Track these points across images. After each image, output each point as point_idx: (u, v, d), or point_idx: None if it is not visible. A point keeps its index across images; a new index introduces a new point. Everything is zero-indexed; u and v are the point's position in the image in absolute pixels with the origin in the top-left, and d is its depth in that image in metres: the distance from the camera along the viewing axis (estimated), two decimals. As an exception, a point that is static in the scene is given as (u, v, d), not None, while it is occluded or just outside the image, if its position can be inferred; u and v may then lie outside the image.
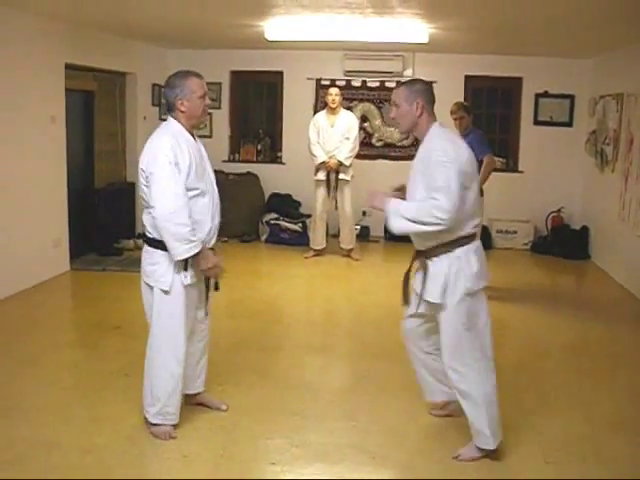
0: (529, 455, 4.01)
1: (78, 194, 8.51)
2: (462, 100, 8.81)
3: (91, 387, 4.83)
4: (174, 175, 3.77)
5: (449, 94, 9.76)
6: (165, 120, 4.01)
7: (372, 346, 5.92)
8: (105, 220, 8.99)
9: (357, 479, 3.77)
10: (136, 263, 8.39)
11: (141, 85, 9.89)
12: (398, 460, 3.94)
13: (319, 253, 9.32)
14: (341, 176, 9.02)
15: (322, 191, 9.13)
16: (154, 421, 4.10)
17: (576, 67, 10.07)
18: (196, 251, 3.82)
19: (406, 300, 4.13)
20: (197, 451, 3.94)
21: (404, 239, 10.72)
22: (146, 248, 4.04)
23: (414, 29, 7.93)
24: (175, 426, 4.13)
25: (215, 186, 4.12)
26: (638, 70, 8.01)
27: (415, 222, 3.66)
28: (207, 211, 3.99)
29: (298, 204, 10.49)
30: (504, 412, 4.49)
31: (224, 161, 10.61)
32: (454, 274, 3.75)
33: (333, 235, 9.89)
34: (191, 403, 4.43)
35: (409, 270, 4.10)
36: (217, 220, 4.10)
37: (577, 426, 4.39)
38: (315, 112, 9.82)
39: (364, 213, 10.62)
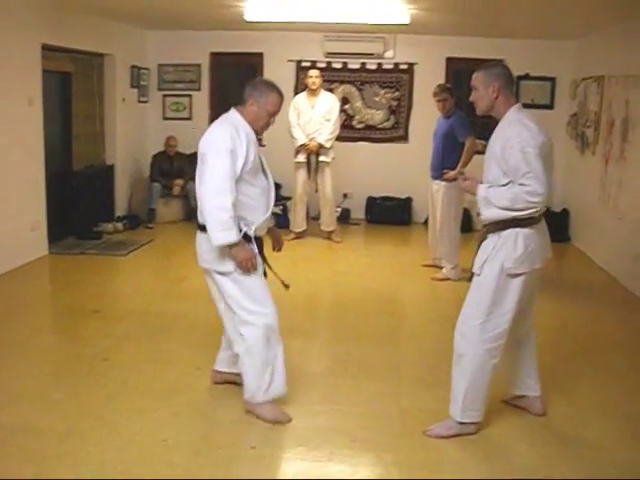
0: (513, 438, 4.02)
1: (56, 177, 8.43)
2: (444, 82, 8.80)
3: (70, 372, 4.79)
4: (227, 161, 3.83)
5: (430, 76, 9.82)
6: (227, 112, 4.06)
7: (353, 329, 5.91)
8: (84, 203, 8.91)
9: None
10: (115, 246, 8.45)
11: (120, 67, 9.79)
12: (379, 443, 3.92)
13: (300, 236, 9.29)
14: (322, 158, 8.99)
15: (302, 173, 9.09)
16: (265, 399, 4.12)
17: (557, 49, 10.07)
18: (233, 240, 3.82)
19: None
20: (176, 436, 3.91)
21: (384, 222, 10.72)
22: (204, 236, 4.00)
23: (395, 10, 7.88)
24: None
25: (270, 179, 4.24)
26: (619, 53, 8.01)
27: (509, 209, 3.72)
28: (263, 199, 4.09)
29: (278, 186, 10.43)
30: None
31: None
32: (495, 251, 3.82)
33: (314, 217, 9.88)
34: (221, 381, 4.54)
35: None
36: (271, 211, 4.16)
37: (559, 408, 4.40)
38: (296, 94, 9.74)
39: (345, 195, 10.63)
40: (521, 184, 3.66)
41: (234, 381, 4.48)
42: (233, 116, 4.08)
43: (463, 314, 3.98)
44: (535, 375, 4.26)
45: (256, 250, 4.01)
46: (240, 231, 3.90)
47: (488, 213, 3.82)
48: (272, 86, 4.07)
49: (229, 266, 3.96)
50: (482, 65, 3.97)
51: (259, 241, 4.13)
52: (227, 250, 3.90)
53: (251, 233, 3.99)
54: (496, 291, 3.83)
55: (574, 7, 7.04)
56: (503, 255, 3.80)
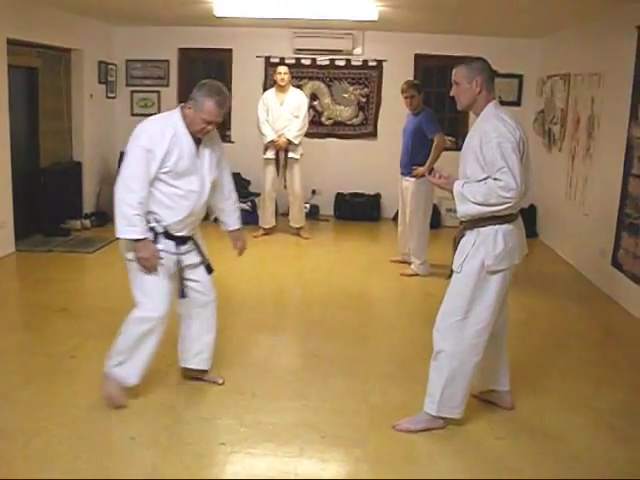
0: (482, 432, 4.06)
1: (23, 174, 8.34)
2: (412, 79, 8.83)
3: (37, 370, 4.74)
4: (141, 160, 3.89)
5: (399, 73, 9.85)
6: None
7: (322, 325, 5.93)
8: (51, 200, 8.82)
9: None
10: (83, 244, 8.37)
11: (87, 62, 9.71)
12: (349, 438, 3.94)
13: (268, 232, 9.28)
14: (290, 154, 8.99)
15: (271, 170, 9.08)
16: (114, 375, 4.21)
17: (524, 47, 10.16)
18: (136, 237, 3.92)
19: None
20: (145, 433, 3.91)
21: (353, 218, 10.71)
22: None
23: (364, 6, 7.90)
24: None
25: (202, 189, 4.13)
26: (584, 51, 8.11)
27: (483, 205, 3.72)
28: (183, 202, 4.06)
29: (247, 183, 10.40)
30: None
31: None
32: (475, 248, 3.83)
33: (282, 214, 9.88)
34: (188, 377, 4.55)
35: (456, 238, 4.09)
36: (194, 218, 4.18)
37: (525, 401, 4.44)
38: (264, 90, 9.74)
39: (313, 192, 10.65)
40: (495, 179, 3.67)
41: (199, 377, 4.53)
42: (174, 114, 4.06)
43: (442, 311, 3.99)
44: (506, 370, 4.30)
45: (160, 250, 4.05)
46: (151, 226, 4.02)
47: (464, 209, 3.82)
48: (213, 93, 3.93)
49: (131, 255, 4.04)
50: (463, 60, 3.98)
51: (179, 240, 4.16)
52: (132, 243, 3.97)
53: (158, 230, 4.05)
54: (475, 288, 3.84)
55: (539, 6, 7.10)
56: (483, 252, 3.81)
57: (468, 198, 3.77)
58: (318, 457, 3.77)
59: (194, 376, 4.55)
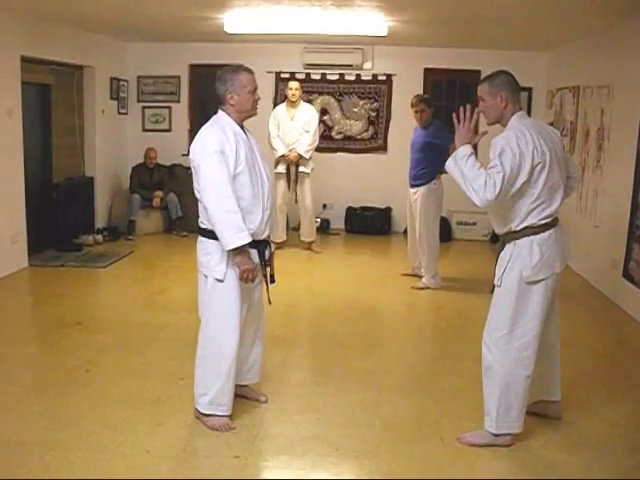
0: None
1: (36, 189, 8.41)
2: (422, 93, 8.86)
3: (52, 384, 4.77)
4: (220, 164, 3.81)
5: (408, 87, 9.89)
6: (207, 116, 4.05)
7: (334, 338, 5.94)
8: (64, 216, 8.89)
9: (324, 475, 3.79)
10: (95, 259, 8.42)
11: (99, 79, 9.80)
12: (362, 451, 3.94)
13: (279, 246, 9.29)
14: (301, 169, 9.04)
15: (282, 184, 9.13)
16: (205, 411, 4.15)
17: (533, 60, 10.18)
18: (247, 241, 3.80)
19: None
20: (160, 446, 3.92)
21: (364, 232, 10.65)
22: (200, 239, 4.06)
23: (373, 22, 7.96)
24: (230, 417, 4.17)
25: (266, 178, 4.10)
26: (593, 63, 8.12)
27: (463, 180, 3.71)
28: (257, 202, 3.98)
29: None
30: (470, 402, 4.53)
31: (184, 155, 10.36)
32: (512, 261, 3.84)
33: (293, 228, 9.91)
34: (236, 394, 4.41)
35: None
36: (269, 212, 4.08)
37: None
38: (275, 105, 9.80)
39: (324, 206, 10.68)
40: (488, 174, 3.64)
41: (243, 395, 4.50)
42: (220, 117, 4.06)
43: (487, 326, 3.99)
44: (558, 380, 4.30)
45: (257, 259, 4.01)
46: None
47: (449, 164, 3.82)
48: (237, 69, 4.10)
49: (221, 274, 3.96)
50: (486, 75, 3.99)
51: (261, 245, 4.07)
52: (230, 258, 3.89)
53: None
54: (517, 301, 3.85)
55: (547, 19, 7.13)
56: (520, 264, 3.81)
57: (458, 163, 3.75)
58: (331, 470, 3.78)
59: (240, 394, 4.44)
